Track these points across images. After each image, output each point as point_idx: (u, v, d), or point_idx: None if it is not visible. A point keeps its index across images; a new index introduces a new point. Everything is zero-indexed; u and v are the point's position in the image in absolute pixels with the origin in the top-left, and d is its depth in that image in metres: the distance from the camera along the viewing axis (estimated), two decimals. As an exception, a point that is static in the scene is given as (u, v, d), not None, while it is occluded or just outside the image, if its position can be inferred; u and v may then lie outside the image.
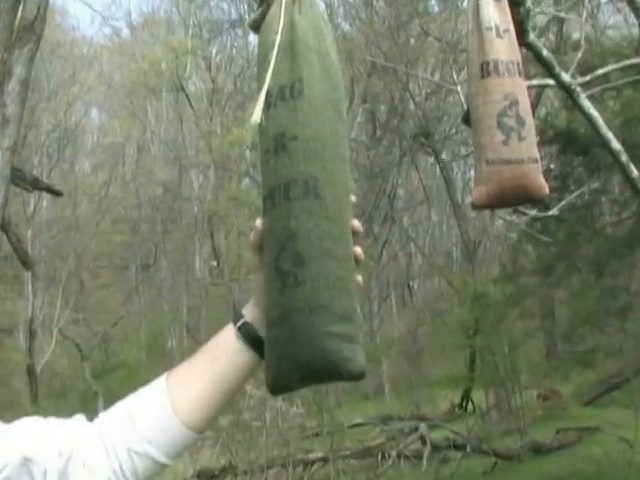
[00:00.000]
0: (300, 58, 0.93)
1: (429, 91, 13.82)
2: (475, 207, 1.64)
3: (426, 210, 18.34)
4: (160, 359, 14.97)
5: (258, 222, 0.92)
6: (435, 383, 13.17)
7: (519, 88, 1.58)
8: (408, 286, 18.52)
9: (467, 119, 1.72)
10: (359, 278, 0.91)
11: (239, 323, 0.95)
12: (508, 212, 5.77)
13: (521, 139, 1.56)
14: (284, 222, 0.88)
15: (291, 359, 0.86)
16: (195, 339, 16.39)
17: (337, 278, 0.87)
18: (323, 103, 0.92)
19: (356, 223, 0.92)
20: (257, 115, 0.90)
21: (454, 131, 13.84)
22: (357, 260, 0.91)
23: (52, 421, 0.91)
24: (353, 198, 0.93)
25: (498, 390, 10.67)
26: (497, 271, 13.45)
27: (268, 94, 0.91)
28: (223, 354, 0.94)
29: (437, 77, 13.44)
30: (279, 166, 0.89)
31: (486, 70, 1.59)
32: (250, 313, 0.96)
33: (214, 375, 0.93)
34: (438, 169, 15.29)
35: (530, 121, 1.57)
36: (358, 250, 0.92)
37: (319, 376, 0.87)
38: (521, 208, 3.17)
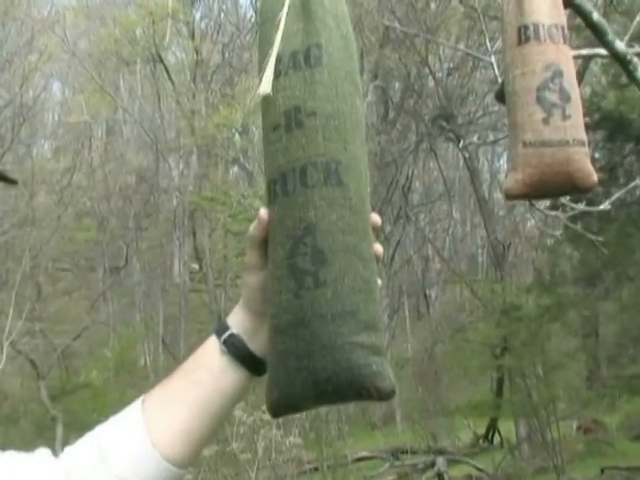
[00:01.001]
0: (316, 20, 0.94)
1: (452, 65, 13.85)
2: (509, 197, 1.63)
3: (446, 206, 18.36)
4: (131, 379, 14.95)
5: (262, 211, 0.92)
6: (455, 411, 13.16)
7: (564, 57, 1.58)
8: (424, 295, 18.59)
9: (501, 95, 1.72)
10: (379, 281, 0.92)
11: (225, 335, 0.94)
12: (546, 207, 5.77)
13: (565, 117, 1.56)
14: (300, 212, 0.88)
15: (308, 373, 0.86)
16: (173, 355, 16.40)
17: (363, 280, 0.88)
18: (343, 74, 0.93)
19: (375, 217, 0.93)
20: (267, 84, 0.91)
21: (481, 113, 13.91)
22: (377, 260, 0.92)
23: (6, 456, 0.89)
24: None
25: (531, 420, 10.69)
26: (531, 278, 13.50)
27: (277, 60, 0.92)
28: (207, 373, 0.93)
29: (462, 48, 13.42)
30: (293, 146, 0.90)
31: (524, 35, 1.58)
32: (238, 322, 0.95)
33: (197, 399, 0.92)
34: (461, 158, 15.26)
35: (576, 96, 1.58)
36: (379, 249, 0.93)
37: (342, 394, 0.87)
38: (564, 201, 3.16)
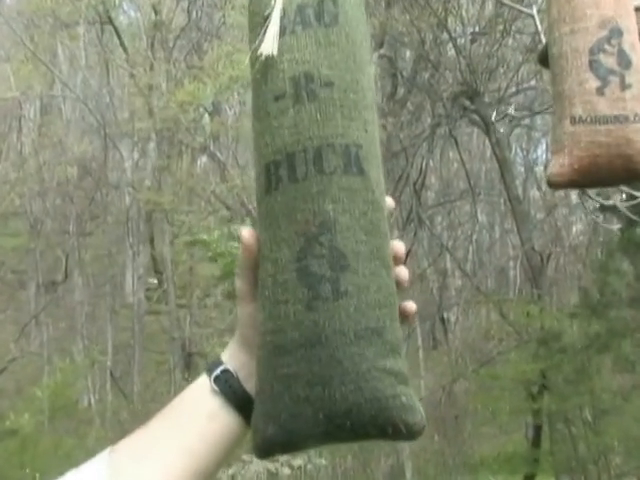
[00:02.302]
0: None
1: (477, 29, 13.80)
2: (553, 185, 1.65)
3: (470, 207, 18.15)
4: (70, 423, 14.87)
5: (246, 233, 0.94)
6: (481, 465, 13.24)
7: (624, 11, 1.58)
8: (442, 319, 18.61)
9: (545, 57, 1.73)
10: None
11: (216, 372, 0.96)
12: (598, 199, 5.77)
13: (625, 87, 1.57)
14: (315, 204, 0.90)
15: (321, 404, 0.87)
16: (124, 394, 16.37)
17: (388, 292, 0.91)
18: (360, 38, 0.96)
19: (390, 201, 0.97)
20: (272, 43, 0.93)
21: (513, 89, 13.86)
22: (402, 262, 0.96)
23: None
24: None
25: (577, 478, 10.68)
26: (576, 299, 13.47)
27: (282, 15, 0.94)
28: (194, 419, 0.94)
29: (490, 7, 13.47)
30: (305, 121, 0.92)
31: None
32: (232, 358, 0.97)
33: (178, 452, 0.92)
34: (488, 146, 15.21)
35: (639, 61, 1.59)
36: (400, 248, 0.96)
37: (361, 431, 0.88)
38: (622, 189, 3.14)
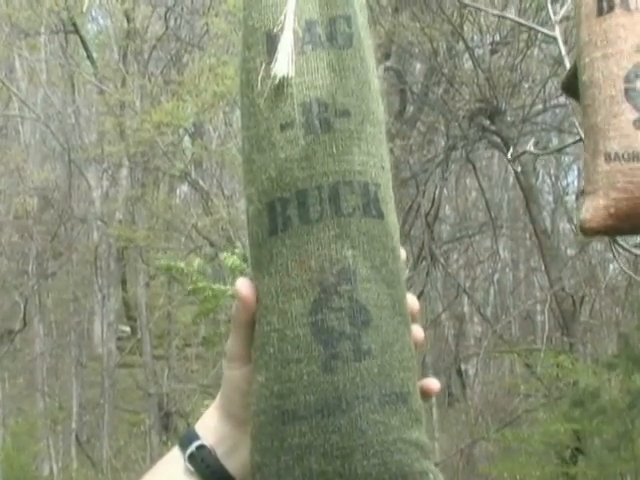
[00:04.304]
0: None
1: (498, 38, 13.86)
2: (587, 232, 1.67)
3: (490, 242, 18.26)
4: (28, 495, 14.92)
5: (244, 286, 0.96)
6: (507, 542, 13.14)
7: (664, 34, 1.58)
8: (458, 372, 18.59)
9: (569, 84, 1.77)
10: None
11: (191, 448, 0.98)
12: (635, 245, 5.85)
13: (667, 120, 1.57)
14: (332, 249, 0.91)
15: (333, 478, 0.87)
16: (92, 461, 16.33)
17: (411, 352, 0.93)
18: (371, 62, 0.99)
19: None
20: (286, 63, 0.94)
21: (540, 107, 13.92)
22: (416, 319, 1.00)
23: None
24: None
25: None
26: (614, 348, 13.47)
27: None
28: None
29: (512, 13, 13.51)
30: (319, 154, 0.93)
31: (607, 2, 1.61)
32: (211, 431, 0.99)
33: None
34: (511, 172, 15.37)
35: (682, 90, 1.59)
36: (415, 304, 1.00)
37: None
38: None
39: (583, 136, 1.68)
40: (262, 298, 0.94)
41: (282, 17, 0.95)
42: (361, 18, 0.99)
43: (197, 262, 10.62)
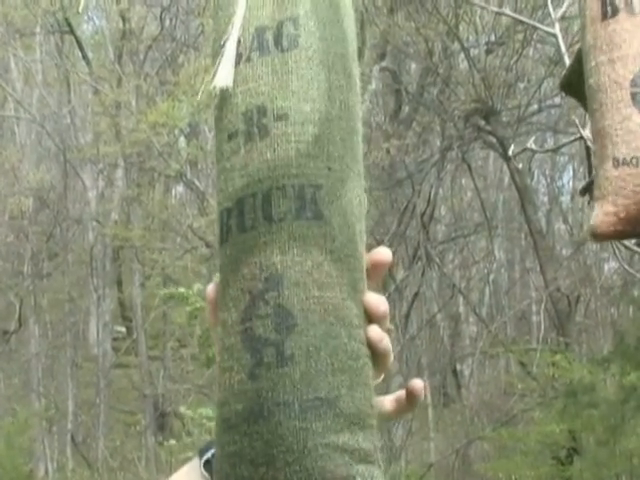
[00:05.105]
0: None
1: (494, 38, 13.81)
2: (597, 237, 1.68)
3: (485, 242, 18.41)
4: (24, 498, 15.15)
5: (210, 289, 0.97)
6: (502, 542, 13.25)
7: (672, 37, 1.62)
8: (454, 372, 18.70)
9: (568, 84, 1.87)
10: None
11: (207, 455, 1.01)
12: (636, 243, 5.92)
13: (676, 124, 1.60)
14: (261, 256, 0.92)
15: None
16: (87, 461, 16.35)
17: (347, 355, 0.91)
18: (330, 60, 0.97)
19: (381, 254, 0.99)
20: (227, 74, 0.95)
21: (535, 107, 13.95)
22: (386, 325, 0.97)
23: None
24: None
25: None
26: (609, 347, 13.49)
27: (238, 40, 0.97)
28: None
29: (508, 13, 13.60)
30: (255, 162, 0.93)
31: (611, 5, 1.62)
32: None
33: None
34: (507, 172, 15.35)
35: (691, 94, 1.63)
36: (379, 306, 0.96)
37: None
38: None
39: (591, 141, 1.76)
40: (218, 309, 0.97)
41: (230, 27, 0.98)
42: (322, 9, 0.98)
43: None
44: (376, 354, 0.95)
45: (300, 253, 0.91)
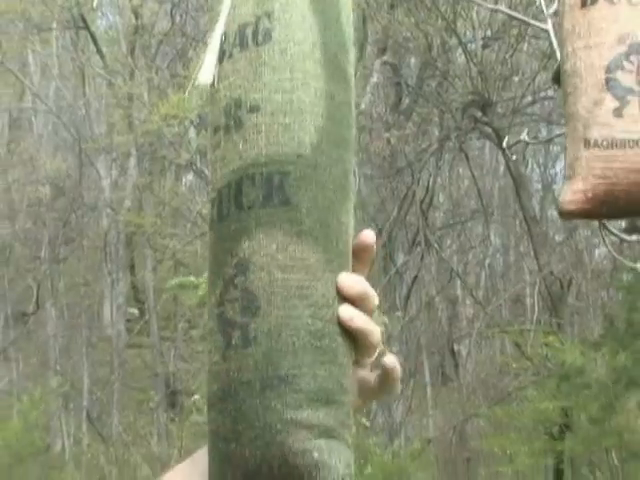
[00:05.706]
0: None
1: (490, 33, 13.84)
2: (565, 214, 1.65)
3: (482, 228, 18.23)
4: (40, 469, 14.86)
5: None
6: (497, 514, 13.03)
7: (645, 25, 1.58)
8: (451, 352, 18.47)
9: (560, 76, 1.74)
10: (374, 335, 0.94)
11: None
12: (621, 229, 5.81)
13: (645, 108, 1.57)
14: (232, 243, 0.91)
15: (237, 462, 0.88)
16: (102, 436, 16.27)
17: (311, 334, 0.89)
18: (305, 50, 0.94)
19: (366, 236, 0.96)
20: (208, 71, 0.94)
21: (529, 99, 13.88)
22: (367, 305, 0.94)
23: None
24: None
25: (602, 528, 10.63)
26: (600, 329, 13.32)
27: (223, 38, 0.95)
28: None
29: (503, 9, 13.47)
30: (231, 153, 0.93)
31: None
32: None
33: None
34: (502, 161, 15.26)
35: (661, 79, 1.59)
36: (353, 285, 0.93)
37: None
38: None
39: (565, 124, 1.66)
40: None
41: (214, 25, 0.96)
42: (299, 7, 0.95)
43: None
44: (350, 333, 0.92)
45: (265, 238, 0.90)
